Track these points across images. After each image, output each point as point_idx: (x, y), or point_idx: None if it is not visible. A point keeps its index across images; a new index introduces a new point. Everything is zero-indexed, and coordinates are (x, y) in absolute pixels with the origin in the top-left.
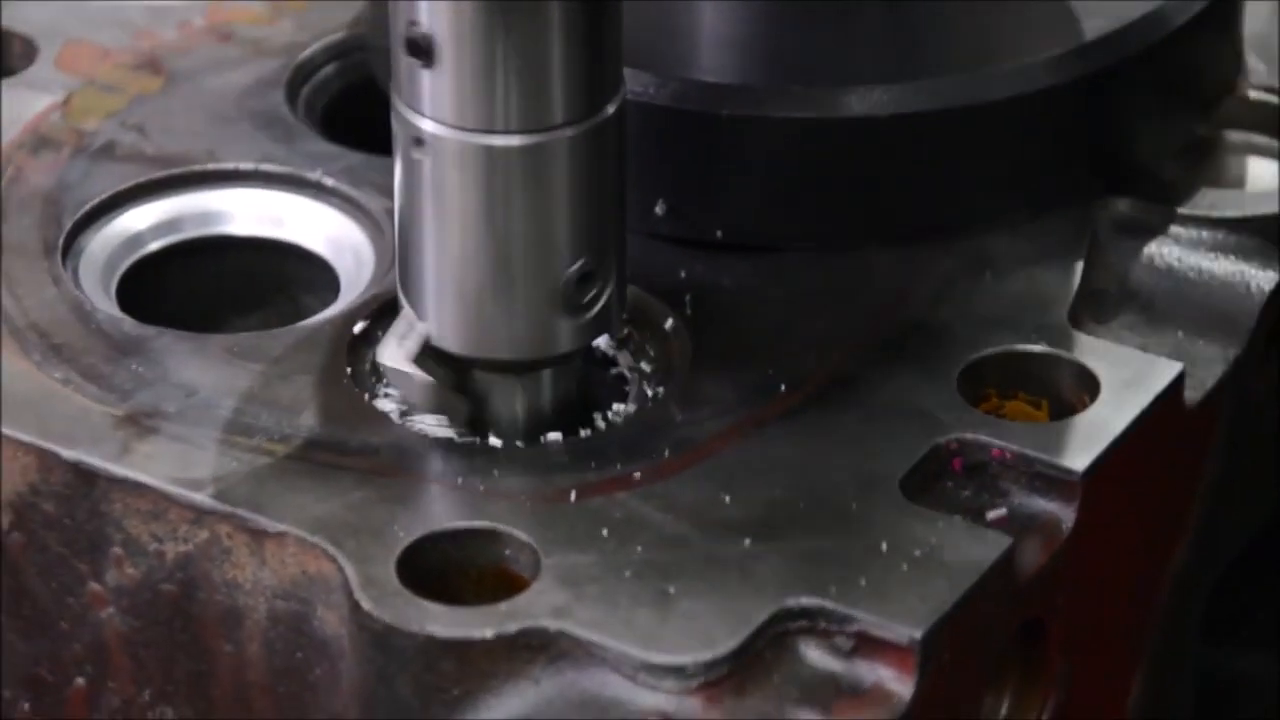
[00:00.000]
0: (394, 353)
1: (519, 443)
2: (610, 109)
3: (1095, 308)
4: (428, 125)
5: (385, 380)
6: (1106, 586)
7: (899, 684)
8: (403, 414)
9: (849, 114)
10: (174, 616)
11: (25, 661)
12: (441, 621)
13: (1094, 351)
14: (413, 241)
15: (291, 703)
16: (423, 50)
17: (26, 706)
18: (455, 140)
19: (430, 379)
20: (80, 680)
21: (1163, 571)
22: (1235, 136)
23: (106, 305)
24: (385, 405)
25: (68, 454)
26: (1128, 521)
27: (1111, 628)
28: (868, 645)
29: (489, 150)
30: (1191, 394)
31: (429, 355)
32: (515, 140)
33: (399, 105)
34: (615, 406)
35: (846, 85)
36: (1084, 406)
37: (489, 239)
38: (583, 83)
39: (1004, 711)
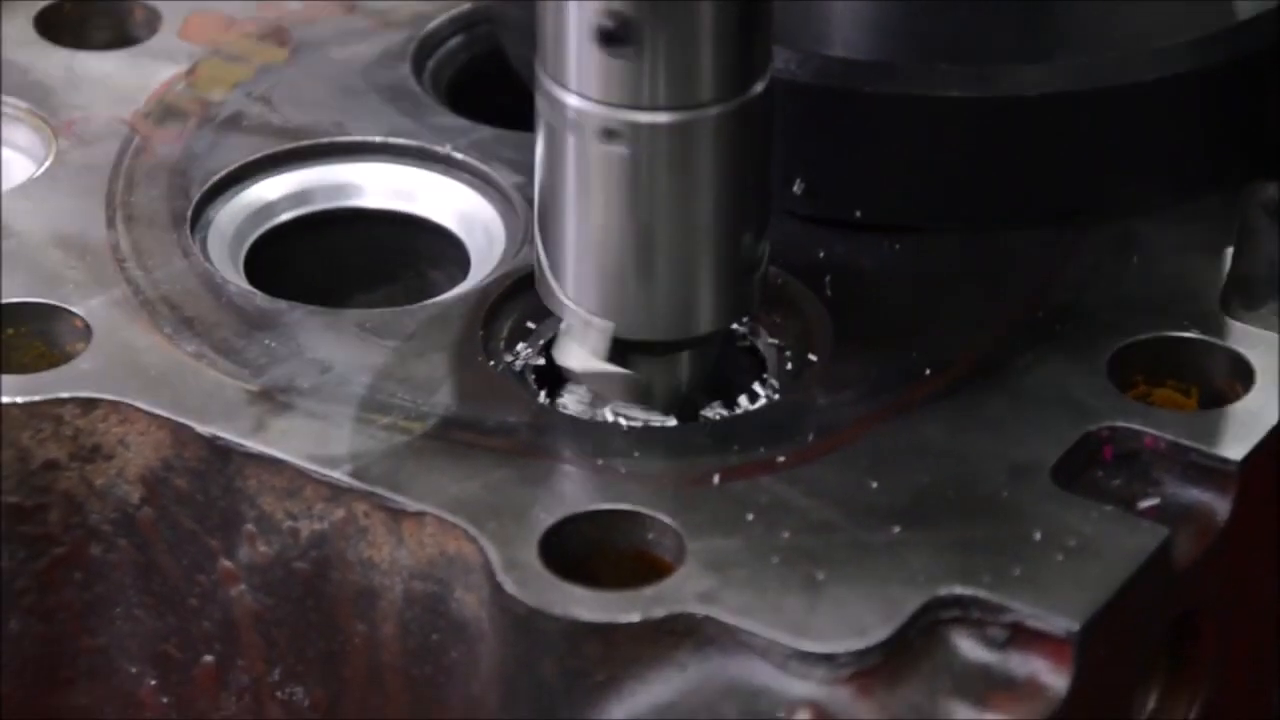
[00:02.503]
0: (581, 355)
1: (659, 424)
2: (759, 87)
3: (1245, 293)
4: (625, 114)
5: (527, 362)
6: (1259, 579)
7: (1054, 677)
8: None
9: (995, 93)
10: (306, 595)
11: (153, 638)
12: (586, 605)
13: (1247, 339)
14: (563, 224)
15: (426, 685)
16: (619, 36)
17: (153, 683)
18: (661, 124)
19: (631, 372)
20: (209, 658)
21: None
22: None
23: (234, 277)
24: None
25: (203, 429)
26: (1278, 513)
27: (1262, 622)
28: (1022, 637)
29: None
30: None
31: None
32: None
33: (545, 81)
34: (755, 389)
35: (991, 63)
36: (1235, 395)
37: (633, 219)
38: (733, 60)
39: (1152, 706)
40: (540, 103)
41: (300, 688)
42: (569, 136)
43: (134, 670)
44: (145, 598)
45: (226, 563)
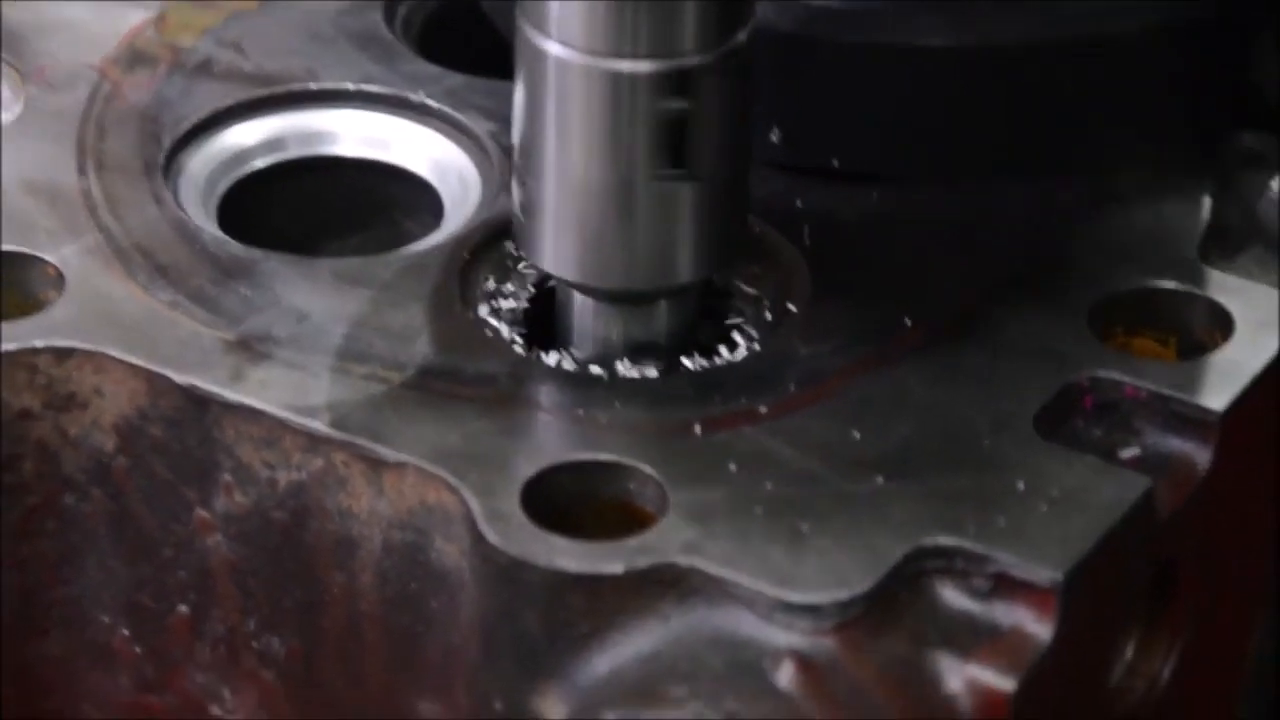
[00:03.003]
0: None
1: (639, 374)
2: (741, 36)
3: (1222, 243)
4: (554, 48)
5: (505, 311)
6: (1236, 529)
7: (1038, 626)
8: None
9: (973, 42)
10: (284, 545)
11: (127, 588)
12: (570, 556)
13: (1227, 289)
14: (543, 173)
15: (404, 635)
16: None
17: (126, 633)
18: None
19: None
20: (183, 608)
21: None
22: None
23: (207, 225)
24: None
25: (180, 378)
26: (1257, 463)
27: (1239, 571)
28: (1006, 586)
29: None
30: None
31: None
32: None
33: (526, 29)
34: (735, 339)
35: (970, 11)
36: (1215, 344)
37: (613, 166)
38: (716, 10)
39: (1130, 654)
40: (520, 50)
41: (276, 638)
42: (550, 85)
43: (107, 620)
44: (119, 547)
45: (202, 512)
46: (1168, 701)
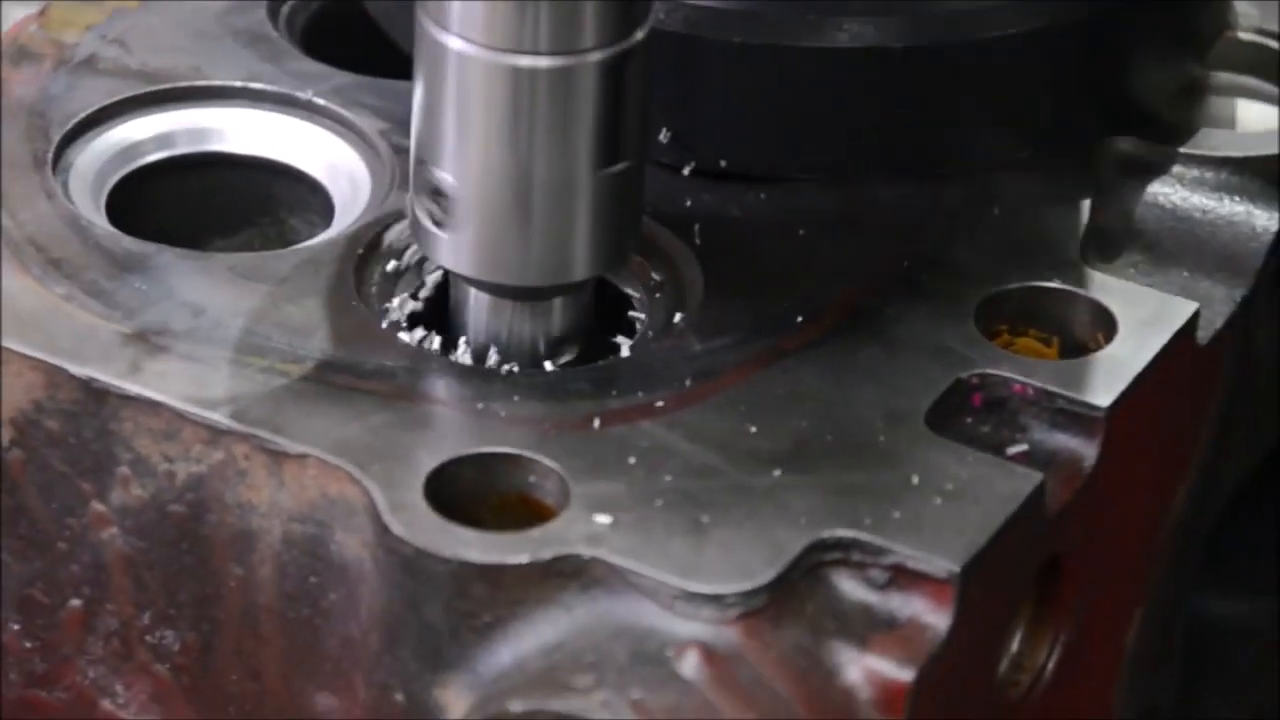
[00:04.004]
0: None
1: (535, 369)
2: (639, 35)
3: (1101, 247)
4: (455, 43)
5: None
6: (1117, 525)
7: (935, 617)
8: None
9: (858, 44)
10: (181, 538)
11: (18, 583)
12: (475, 547)
13: (1110, 289)
14: (431, 165)
15: (302, 627)
16: None
17: (16, 628)
18: (542, 69)
19: None
20: (76, 601)
21: (1166, 513)
22: (1224, 78)
23: (98, 220)
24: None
25: (78, 371)
26: (1140, 461)
27: (1119, 567)
28: (904, 578)
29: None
30: (1200, 334)
31: None
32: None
33: (427, 24)
34: (630, 336)
35: (855, 14)
36: (1096, 345)
37: (512, 165)
38: (614, 7)
39: (1016, 647)
40: (420, 46)
41: (171, 631)
42: (450, 81)
43: None
44: (11, 541)
45: (99, 506)
46: (1050, 695)
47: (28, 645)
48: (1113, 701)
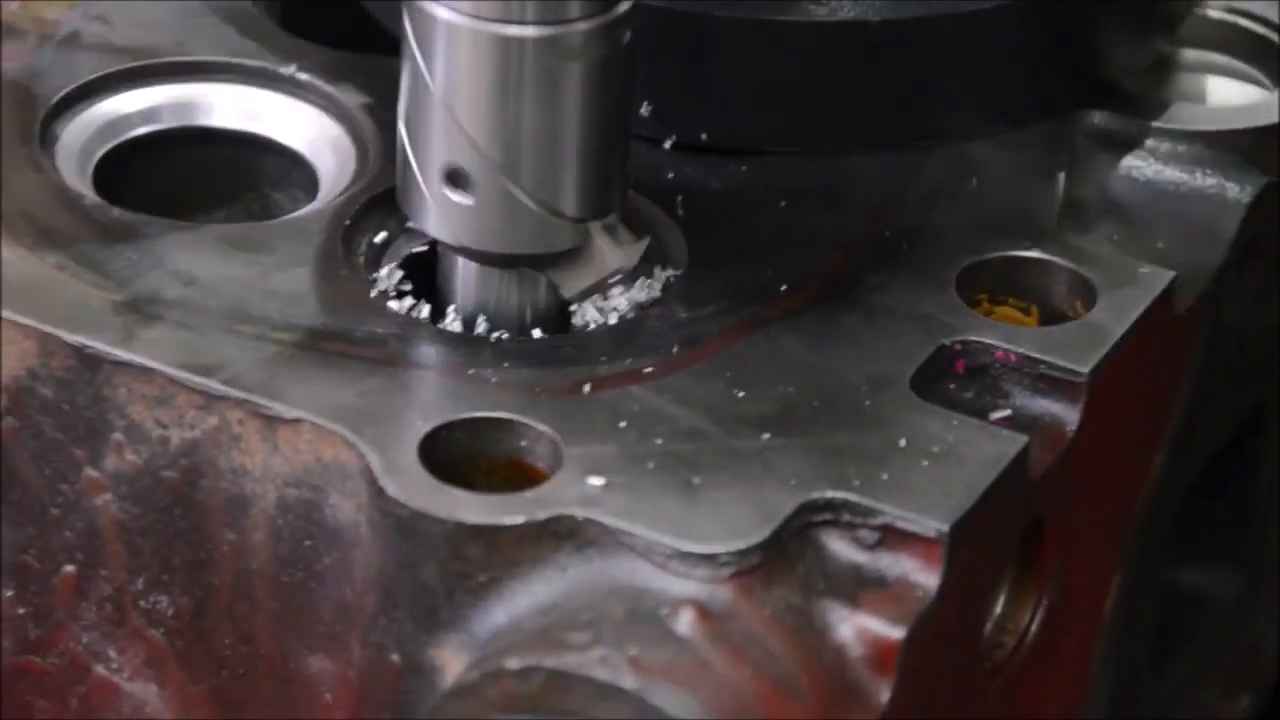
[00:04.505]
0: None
1: (524, 336)
2: (624, 6)
3: (1076, 218)
4: (444, 13)
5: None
6: (1096, 491)
7: (924, 576)
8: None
9: (835, 18)
10: (175, 504)
11: (11, 549)
12: (470, 508)
13: (1088, 259)
14: (418, 134)
15: (296, 591)
16: None
17: (9, 594)
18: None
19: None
20: (70, 568)
21: (1142, 480)
22: (1193, 55)
23: (86, 192)
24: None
25: (72, 338)
26: (1118, 428)
27: (1098, 532)
28: (892, 538)
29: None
30: (1175, 304)
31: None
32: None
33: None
34: (615, 304)
35: None
36: (1075, 313)
37: (499, 137)
38: None
39: (1000, 609)
40: (409, 16)
41: (164, 597)
42: (439, 50)
43: None
44: (4, 508)
45: (92, 472)
46: (1032, 658)
47: (21, 611)
48: (1090, 668)
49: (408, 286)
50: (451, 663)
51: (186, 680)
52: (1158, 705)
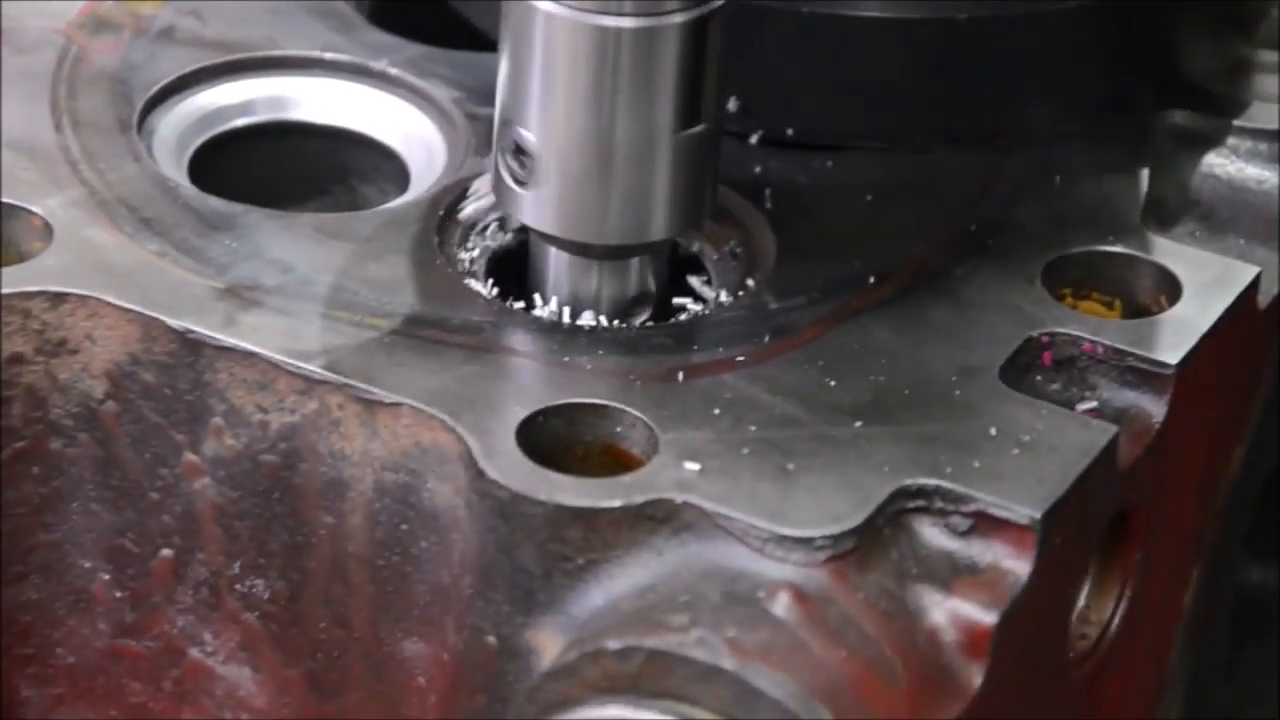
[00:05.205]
0: None
1: (617, 325)
2: (716, 2)
3: (1159, 215)
4: (542, 3)
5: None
6: (1180, 484)
7: (1015, 563)
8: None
9: (923, 15)
10: (273, 488)
11: (109, 532)
12: (570, 491)
13: (1172, 254)
14: (515, 126)
15: (392, 574)
16: None
17: (106, 578)
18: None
19: None
20: (167, 551)
21: (1223, 474)
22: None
23: (183, 181)
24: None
25: (175, 323)
26: (1201, 421)
27: (1180, 525)
28: (984, 525)
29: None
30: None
31: None
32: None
33: None
34: (707, 294)
35: None
36: (1159, 307)
37: (595, 124)
38: None
39: (1084, 599)
40: (507, 6)
41: (261, 580)
42: (536, 40)
43: (88, 565)
44: (104, 492)
45: (191, 456)
46: (1113, 650)
47: (118, 595)
48: (1169, 661)
49: (501, 274)
50: (548, 645)
51: (281, 664)
52: (1225, 706)
